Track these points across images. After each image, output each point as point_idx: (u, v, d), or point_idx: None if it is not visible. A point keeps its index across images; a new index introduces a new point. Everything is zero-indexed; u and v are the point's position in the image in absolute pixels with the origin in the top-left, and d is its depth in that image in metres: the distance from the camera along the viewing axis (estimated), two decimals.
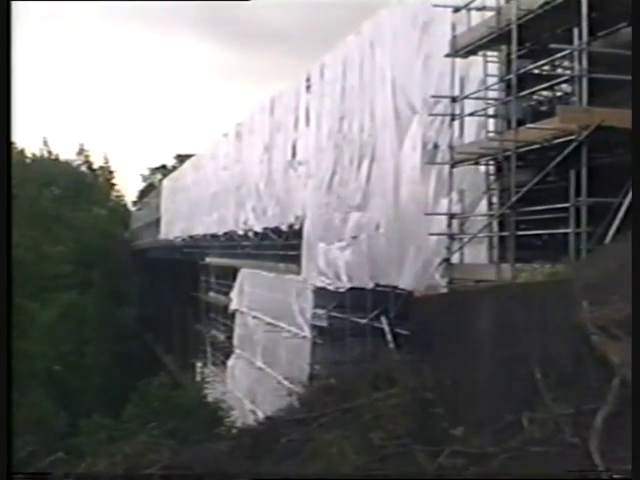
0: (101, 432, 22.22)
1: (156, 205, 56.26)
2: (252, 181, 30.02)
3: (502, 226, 12.46)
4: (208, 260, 39.31)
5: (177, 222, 47.22)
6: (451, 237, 13.68)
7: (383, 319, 17.22)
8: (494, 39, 12.66)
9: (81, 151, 74.77)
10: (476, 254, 13.38)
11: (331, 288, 20.46)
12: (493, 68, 13.44)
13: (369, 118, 18.71)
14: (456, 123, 13.76)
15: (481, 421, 7.91)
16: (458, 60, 13.82)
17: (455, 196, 13.84)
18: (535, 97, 14.17)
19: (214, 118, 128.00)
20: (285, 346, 24.24)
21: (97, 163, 75.66)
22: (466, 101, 13.62)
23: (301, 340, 22.67)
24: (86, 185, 71.09)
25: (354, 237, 19.19)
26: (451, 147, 13.79)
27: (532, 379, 7.72)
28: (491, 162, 13.08)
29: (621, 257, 8.14)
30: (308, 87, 23.95)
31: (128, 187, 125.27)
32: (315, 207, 22.33)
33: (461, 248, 13.44)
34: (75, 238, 57.94)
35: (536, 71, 12.66)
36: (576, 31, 10.83)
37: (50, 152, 71.43)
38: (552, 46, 11.49)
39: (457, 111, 13.71)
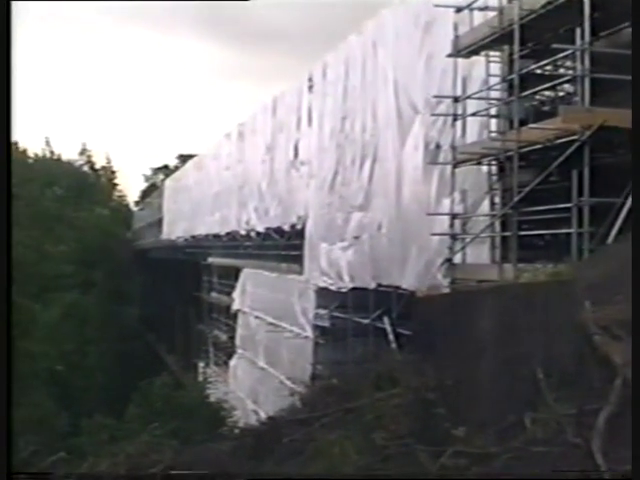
0: (103, 432, 22.16)
1: (158, 205, 56.30)
2: (254, 181, 30.02)
3: (504, 226, 12.46)
4: (210, 260, 39.32)
5: (179, 222, 47.24)
6: (453, 237, 13.68)
7: (385, 319, 17.22)
8: (496, 39, 12.66)
9: (83, 151, 74.94)
10: (478, 254, 13.37)
11: (333, 288, 20.46)
12: (495, 68, 13.43)
13: (371, 118, 18.71)
14: (458, 123, 13.76)
15: (483, 421, 7.90)
16: (460, 60, 13.82)
17: (457, 196, 13.83)
18: (537, 97, 14.17)
19: (215, 118, 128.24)
20: (287, 346, 24.24)
21: (99, 163, 75.85)
22: (468, 101, 13.62)
23: (303, 340, 22.67)
24: (88, 185, 71.16)
25: (356, 237, 19.19)
26: (453, 147, 13.79)
27: (534, 379, 7.72)
28: (493, 162, 13.08)
29: (623, 257, 8.12)
30: (310, 87, 23.94)
31: (130, 187, 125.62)
32: (317, 207, 22.33)
33: (463, 248, 13.44)
34: (77, 238, 57.97)
35: (538, 71, 12.67)
36: (578, 31, 10.83)
37: (52, 152, 71.59)
38: (554, 46, 11.48)
39: (459, 111, 13.71)
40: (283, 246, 25.86)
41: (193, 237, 42.36)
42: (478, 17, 13.34)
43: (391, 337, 16.65)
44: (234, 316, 32.66)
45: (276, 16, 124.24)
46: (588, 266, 9.87)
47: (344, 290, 19.75)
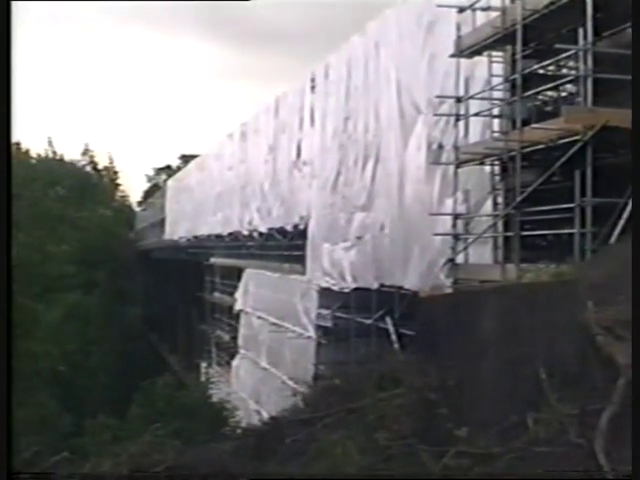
0: (106, 432, 22.21)
1: (161, 205, 56.31)
2: (257, 181, 30.02)
3: (507, 226, 12.45)
4: (213, 260, 39.33)
5: (182, 222, 47.25)
6: (456, 237, 13.67)
7: (388, 319, 17.21)
8: (499, 39, 12.65)
9: (86, 151, 74.83)
10: (481, 254, 13.36)
11: (336, 288, 20.46)
12: (498, 68, 13.43)
13: (374, 118, 18.71)
14: (461, 123, 13.74)
15: (486, 421, 7.90)
16: (463, 60, 13.81)
17: (460, 196, 13.83)
18: (540, 97, 14.16)
19: (216, 118, 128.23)
20: (290, 346, 24.23)
21: (102, 163, 75.80)
22: (471, 101, 13.61)
23: (306, 340, 22.67)
24: (91, 185, 71.06)
25: (359, 237, 19.19)
26: (456, 147, 13.78)
27: (537, 379, 7.71)
28: (496, 162, 13.06)
29: (626, 257, 8.12)
30: (313, 87, 23.95)
31: (133, 187, 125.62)
32: (320, 207, 22.33)
33: (466, 248, 13.43)
34: (80, 238, 57.90)
35: (541, 71, 12.66)
36: (581, 31, 10.83)
37: (55, 152, 71.46)
38: (557, 46, 11.47)
39: (462, 111, 13.70)
40: (285, 246, 25.87)
41: (195, 237, 42.38)
42: (481, 17, 13.34)
43: (394, 337, 16.64)
44: (236, 316, 32.67)
45: (276, 16, 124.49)
46: (591, 266, 9.86)
47: (347, 290, 19.75)
